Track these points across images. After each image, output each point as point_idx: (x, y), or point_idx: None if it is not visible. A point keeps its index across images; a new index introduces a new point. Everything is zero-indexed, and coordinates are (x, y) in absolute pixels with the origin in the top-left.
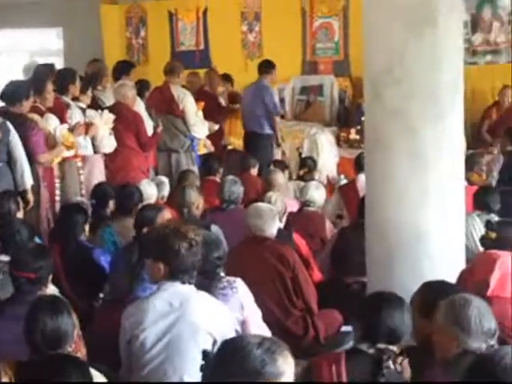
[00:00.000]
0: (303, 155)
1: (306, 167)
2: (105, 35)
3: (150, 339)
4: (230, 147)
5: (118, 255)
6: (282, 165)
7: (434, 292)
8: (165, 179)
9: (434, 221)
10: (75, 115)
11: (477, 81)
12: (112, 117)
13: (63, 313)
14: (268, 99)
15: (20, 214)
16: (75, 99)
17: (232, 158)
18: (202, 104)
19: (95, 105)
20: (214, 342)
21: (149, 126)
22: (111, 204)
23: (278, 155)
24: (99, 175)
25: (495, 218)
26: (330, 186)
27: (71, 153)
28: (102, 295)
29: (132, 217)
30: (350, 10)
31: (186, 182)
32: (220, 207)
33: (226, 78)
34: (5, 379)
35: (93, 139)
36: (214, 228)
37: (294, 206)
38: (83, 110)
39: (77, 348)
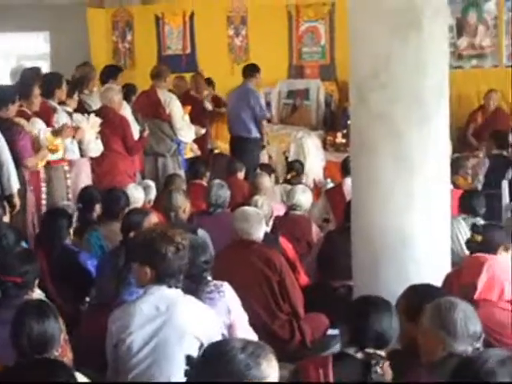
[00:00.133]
0: (290, 159)
1: (294, 171)
2: (91, 39)
3: (136, 343)
4: (216, 151)
5: (105, 259)
6: (269, 169)
7: (419, 295)
8: (151, 183)
9: (419, 224)
10: (62, 119)
11: (462, 85)
12: (98, 121)
13: (50, 317)
14: (254, 102)
15: (6, 219)
16: (62, 103)
17: (218, 161)
18: (189, 108)
19: (82, 109)
20: (201, 346)
21: (135, 130)
22: (98, 208)
23: (264, 159)
24: (86, 179)
25: (481, 221)
26: (317, 189)
27: (57, 156)
28: (88, 299)
29: (119, 221)
30: (335, 14)
31: (172, 185)
32: (207, 211)
33: (208, 82)
34: None
35: (79, 143)
36: (201, 232)
37: (280, 210)
38: (70, 114)
39: (63, 352)
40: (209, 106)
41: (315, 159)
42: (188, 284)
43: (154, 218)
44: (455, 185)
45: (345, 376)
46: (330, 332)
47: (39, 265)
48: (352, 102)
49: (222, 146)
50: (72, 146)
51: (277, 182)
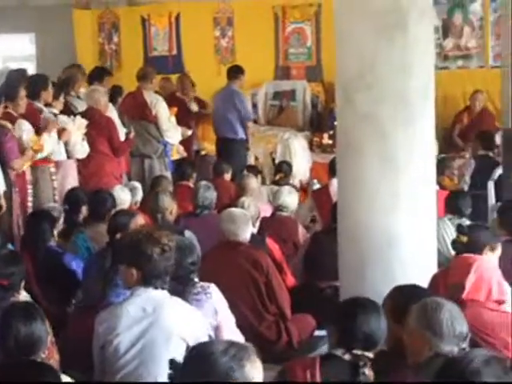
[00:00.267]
0: (276, 160)
1: (282, 172)
2: (77, 41)
3: (123, 345)
4: (202, 152)
5: (91, 261)
6: (255, 170)
7: (405, 296)
8: (138, 185)
9: (405, 225)
10: None
11: (448, 85)
12: (85, 122)
13: (37, 319)
14: (239, 104)
15: None
16: (48, 105)
17: (205, 163)
18: (175, 109)
19: (68, 110)
20: (188, 348)
21: (121, 132)
22: (84, 210)
23: (250, 160)
24: (72, 181)
25: (467, 222)
26: (303, 190)
27: (41, 155)
28: (74, 301)
29: (105, 222)
30: (322, 16)
31: (159, 187)
32: (193, 213)
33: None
34: None
35: (66, 145)
36: (188, 233)
37: (267, 211)
38: (55, 116)
39: (50, 354)
40: (194, 107)
41: (302, 160)
42: (175, 285)
43: (140, 220)
44: (441, 185)
45: (332, 377)
46: (317, 333)
47: (25, 267)
48: (338, 103)
49: (209, 147)
50: (58, 147)
51: (263, 182)
